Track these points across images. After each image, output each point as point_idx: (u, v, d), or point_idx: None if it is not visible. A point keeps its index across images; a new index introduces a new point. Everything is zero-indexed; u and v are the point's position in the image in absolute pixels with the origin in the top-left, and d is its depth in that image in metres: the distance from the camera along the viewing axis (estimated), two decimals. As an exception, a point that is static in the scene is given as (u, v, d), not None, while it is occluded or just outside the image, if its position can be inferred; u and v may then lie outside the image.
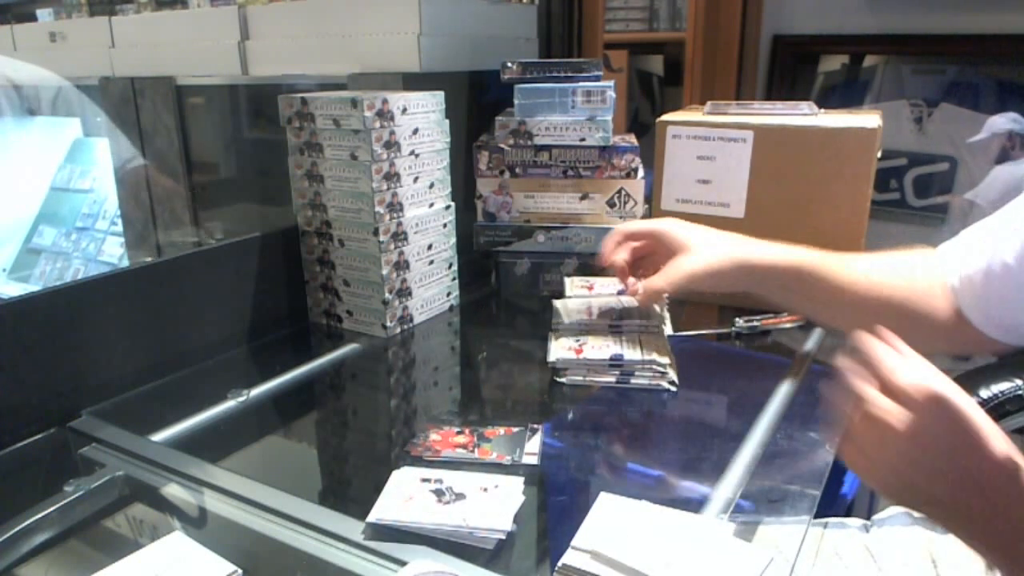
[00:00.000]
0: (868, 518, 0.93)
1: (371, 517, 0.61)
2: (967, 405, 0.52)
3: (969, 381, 1.06)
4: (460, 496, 0.64)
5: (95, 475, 0.71)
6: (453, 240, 1.14)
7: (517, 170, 1.19)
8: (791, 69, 1.65)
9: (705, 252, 0.83)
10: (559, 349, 0.91)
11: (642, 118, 2.63)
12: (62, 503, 0.67)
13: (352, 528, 0.62)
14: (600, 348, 0.90)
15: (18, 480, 0.77)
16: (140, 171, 1.60)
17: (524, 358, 1.04)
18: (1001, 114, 1.50)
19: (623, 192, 1.18)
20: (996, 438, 0.52)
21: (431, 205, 1.09)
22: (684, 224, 0.88)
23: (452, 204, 1.13)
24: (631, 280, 0.91)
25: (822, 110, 1.14)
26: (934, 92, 1.55)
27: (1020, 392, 1.00)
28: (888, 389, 0.54)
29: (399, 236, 1.04)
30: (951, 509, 0.54)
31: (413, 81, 1.20)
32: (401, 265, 1.05)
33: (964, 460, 0.52)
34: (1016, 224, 0.68)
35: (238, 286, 1.03)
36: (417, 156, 1.05)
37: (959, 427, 0.52)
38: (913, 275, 0.76)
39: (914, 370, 0.54)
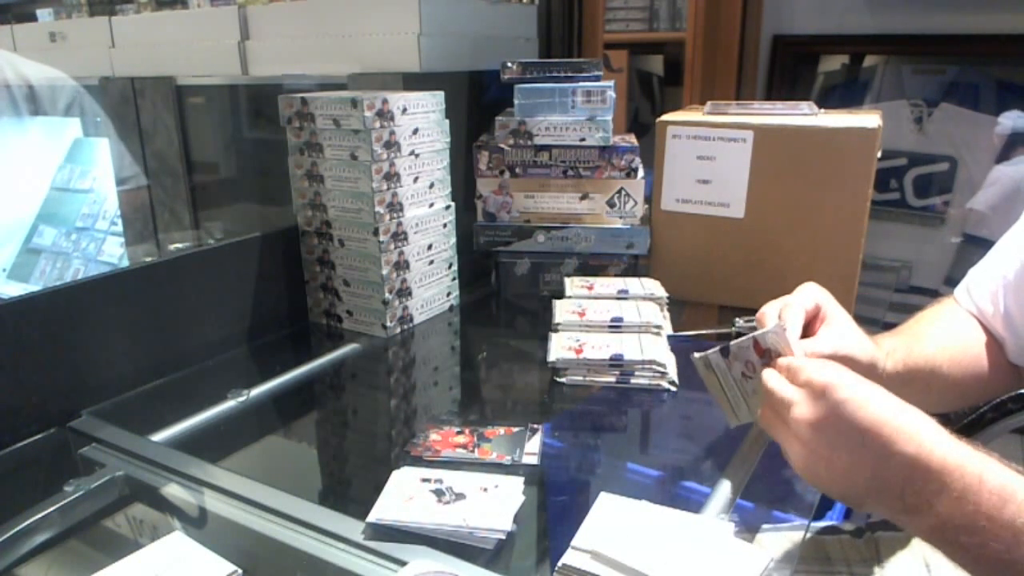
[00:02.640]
0: (864, 522, 0.93)
1: (371, 517, 0.61)
2: (863, 404, 0.53)
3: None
4: (460, 496, 0.64)
5: (95, 475, 0.71)
6: (453, 240, 1.14)
7: (517, 170, 1.19)
8: (791, 69, 1.65)
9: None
10: (559, 349, 0.91)
11: (642, 118, 2.63)
12: (62, 503, 0.67)
13: (352, 528, 0.62)
14: (600, 348, 0.90)
15: (18, 480, 0.77)
16: (140, 193, 1.60)
17: (524, 358, 1.04)
18: (1004, 115, 1.50)
19: (623, 192, 1.18)
20: (902, 433, 0.52)
21: (431, 205, 1.09)
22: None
23: (452, 204, 1.13)
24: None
25: (822, 110, 1.14)
26: (934, 92, 1.55)
27: (1021, 391, 1.00)
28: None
29: (399, 236, 1.04)
30: (868, 502, 0.54)
31: (413, 81, 1.20)
32: (401, 265, 1.05)
33: (868, 460, 0.52)
34: (1016, 247, 0.73)
35: (238, 286, 1.03)
36: (417, 156, 1.05)
37: (854, 429, 0.53)
38: (966, 330, 0.77)
39: (819, 370, 0.56)
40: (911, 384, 0.71)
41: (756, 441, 0.75)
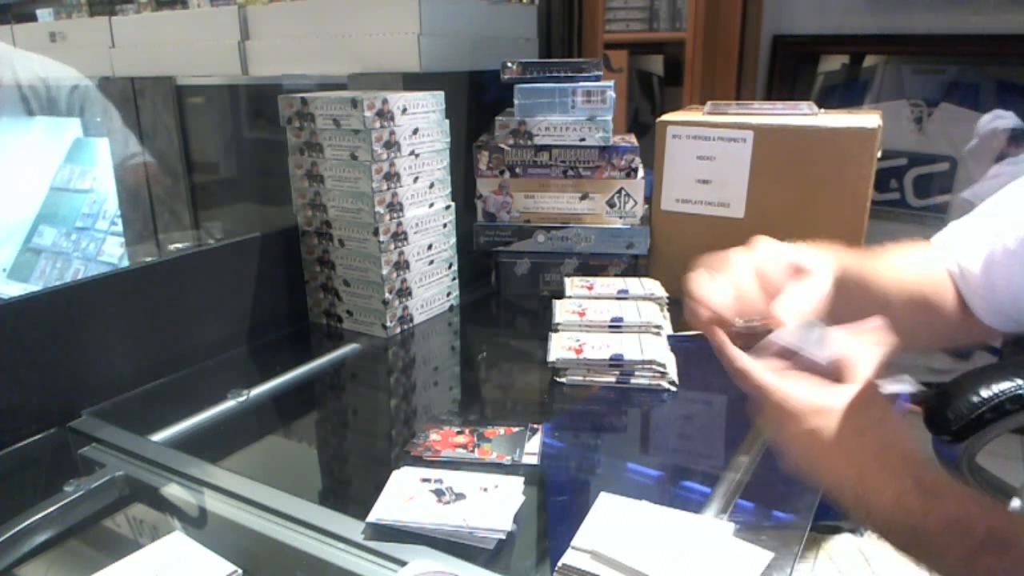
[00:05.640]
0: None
1: (371, 517, 0.61)
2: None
3: (969, 381, 1.06)
4: (460, 496, 0.64)
5: (95, 475, 0.71)
6: (453, 240, 1.14)
7: (517, 170, 1.19)
8: (791, 69, 1.65)
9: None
10: (559, 349, 0.91)
11: (642, 118, 2.63)
12: (62, 503, 0.67)
13: (352, 528, 0.62)
14: (600, 348, 0.90)
15: (18, 480, 0.77)
16: (140, 168, 1.60)
17: (524, 358, 1.04)
18: (989, 113, 1.51)
19: (623, 192, 1.18)
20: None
21: (431, 205, 1.09)
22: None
23: (452, 204, 1.13)
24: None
25: (822, 110, 1.14)
26: (934, 92, 1.55)
27: (1020, 391, 1.00)
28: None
29: (399, 236, 1.04)
30: (842, 479, 0.53)
31: (413, 81, 1.20)
32: (401, 265, 1.05)
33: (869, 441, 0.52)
34: (1016, 212, 0.69)
35: (238, 286, 1.03)
36: (417, 156, 1.05)
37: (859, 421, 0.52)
38: (930, 270, 0.75)
39: (802, 388, 0.54)
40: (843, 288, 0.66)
41: (756, 441, 0.75)
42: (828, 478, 0.54)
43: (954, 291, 0.74)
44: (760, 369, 0.56)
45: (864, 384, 0.53)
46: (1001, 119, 1.49)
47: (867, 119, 1.05)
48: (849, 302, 0.67)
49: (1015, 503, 0.76)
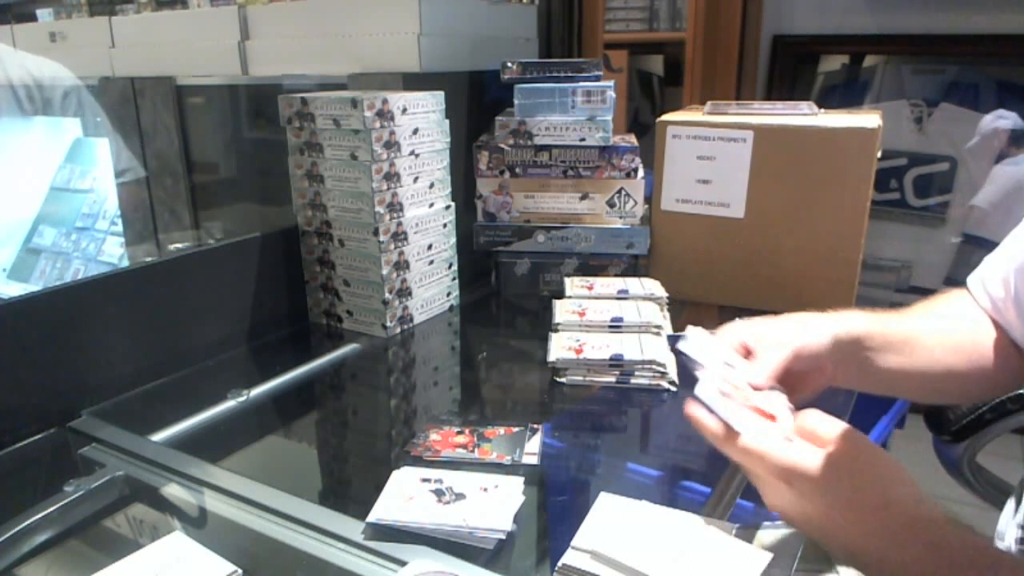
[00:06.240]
0: None
1: (371, 517, 0.61)
2: (875, 451, 0.53)
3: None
4: (460, 496, 0.64)
5: (95, 475, 0.71)
6: (453, 240, 1.14)
7: (517, 170, 1.19)
8: (791, 69, 1.65)
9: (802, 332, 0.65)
10: (559, 349, 0.91)
11: (642, 118, 2.63)
12: (62, 503, 0.67)
13: (352, 528, 0.62)
14: (600, 348, 0.90)
15: (18, 480, 0.77)
16: (140, 185, 1.60)
17: (524, 358, 1.04)
18: (991, 113, 1.51)
19: (623, 192, 1.18)
20: (903, 484, 0.52)
21: (431, 205, 1.10)
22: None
23: (452, 204, 1.13)
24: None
25: (822, 110, 1.14)
26: (934, 92, 1.56)
27: (1020, 391, 1.00)
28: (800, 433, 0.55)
29: (399, 236, 1.04)
30: (844, 545, 0.53)
31: (413, 81, 1.20)
32: (401, 265, 1.05)
33: (868, 502, 0.51)
34: None
35: (238, 286, 1.03)
36: (417, 156, 1.05)
37: (867, 468, 0.52)
38: (964, 314, 0.74)
39: (824, 420, 0.55)
40: (886, 348, 0.66)
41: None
42: (826, 541, 0.54)
43: (995, 328, 0.73)
44: (743, 434, 0.56)
45: (841, 438, 0.53)
46: (1003, 119, 1.49)
47: (867, 119, 1.05)
48: (886, 363, 0.67)
49: (1011, 503, 0.75)
